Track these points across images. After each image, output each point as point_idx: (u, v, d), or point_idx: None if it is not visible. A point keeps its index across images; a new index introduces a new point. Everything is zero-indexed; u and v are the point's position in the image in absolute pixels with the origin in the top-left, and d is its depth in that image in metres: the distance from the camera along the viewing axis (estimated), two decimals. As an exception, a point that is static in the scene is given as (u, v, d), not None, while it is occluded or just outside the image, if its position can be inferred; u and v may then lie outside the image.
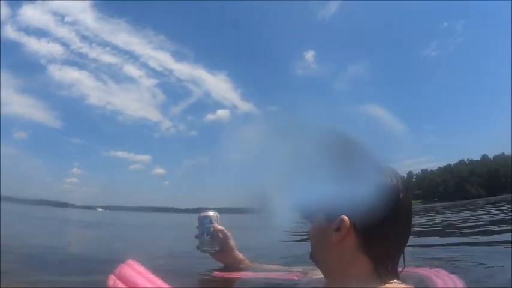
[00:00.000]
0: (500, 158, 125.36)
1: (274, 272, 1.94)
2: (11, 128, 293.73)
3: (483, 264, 2.14)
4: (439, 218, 10.50)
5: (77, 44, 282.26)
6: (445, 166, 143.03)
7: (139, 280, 1.07)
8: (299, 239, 4.54)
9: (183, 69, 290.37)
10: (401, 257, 1.24)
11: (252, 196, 1.44)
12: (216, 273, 2.06)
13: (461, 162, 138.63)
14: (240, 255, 2.11)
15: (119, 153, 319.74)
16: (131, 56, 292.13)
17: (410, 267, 1.50)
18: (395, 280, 1.17)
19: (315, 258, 1.36)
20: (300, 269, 1.88)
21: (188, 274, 2.25)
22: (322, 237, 1.27)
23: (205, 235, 2.08)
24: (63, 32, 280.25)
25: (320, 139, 1.30)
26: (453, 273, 1.50)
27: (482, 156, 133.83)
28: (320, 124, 1.36)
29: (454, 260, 2.37)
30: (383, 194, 1.13)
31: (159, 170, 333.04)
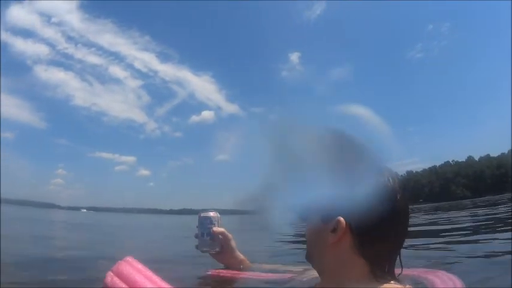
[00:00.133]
0: (486, 159, 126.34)
1: (272, 272, 1.94)
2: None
3: (480, 265, 2.15)
4: (428, 219, 10.53)
5: (62, 44, 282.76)
6: (430, 168, 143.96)
7: (138, 277, 1.06)
8: (295, 240, 4.55)
9: (168, 71, 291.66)
10: (398, 258, 1.22)
11: (247, 197, 1.43)
12: (213, 272, 2.06)
13: (447, 163, 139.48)
14: (241, 256, 2.10)
15: (104, 155, 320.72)
16: (116, 57, 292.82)
17: (408, 268, 1.49)
18: (392, 281, 1.16)
19: (311, 259, 1.34)
20: (298, 268, 1.87)
21: (185, 274, 2.25)
22: (318, 238, 1.25)
23: (205, 236, 2.06)
24: (49, 32, 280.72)
25: (316, 139, 1.28)
26: (452, 273, 1.50)
27: (468, 157, 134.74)
28: (309, 125, 1.34)
29: (450, 262, 2.37)
30: (380, 195, 1.12)
31: (144, 172, 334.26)
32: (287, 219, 1.39)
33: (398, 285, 1.15)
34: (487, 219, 7.87)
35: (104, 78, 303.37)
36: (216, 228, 2.05)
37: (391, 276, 1.18)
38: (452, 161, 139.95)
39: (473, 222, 7.63)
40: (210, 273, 2.07)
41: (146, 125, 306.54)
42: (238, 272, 2.01)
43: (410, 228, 1.27)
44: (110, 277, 1.06)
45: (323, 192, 1.19)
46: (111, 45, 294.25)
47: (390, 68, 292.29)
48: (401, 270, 1.24)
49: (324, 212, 1.23)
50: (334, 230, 1.17)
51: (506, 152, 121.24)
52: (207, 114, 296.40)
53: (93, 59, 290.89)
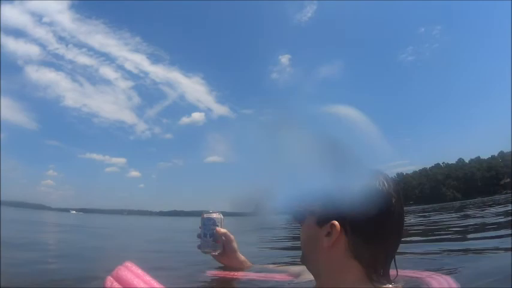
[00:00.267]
0: (476, 162, 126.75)
1: (270, 273, 1.94)
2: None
3: (476, 265, 2.16)
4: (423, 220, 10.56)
5: (54, 45, 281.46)
6: (420, 170, 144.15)
7: (137, 282, 1.06)
8: (292, 241, 4.56)
9: (158, 72, 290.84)
10: (393, 261, 1.23)
11: (242, 199, 1.43)
12: (211, 273, 2.06)
13: (437, 165, 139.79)
14: (242, 257, 2.10)
15: (95, 156, 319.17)
16: (107, 58, 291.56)
17: (403, 270, 1.50)
18: (388, 285, 1.16)
19: (306, 262, 1.34)
20: (296, 268, 1.88)
21: (183, 276, 2.25)
22: (312, 241, 1.25)
23: (208, 237, 2.06)
24: (40, 32, 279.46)
25: (309, 142, 1.29)
26: (447, 275, 1.51)
27: (458, 159, 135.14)
28: (302, 127, 1.35)
29: (445, 263, 2.38)
30: (375, 199, 1.12)
31: (134, 173, 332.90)
32: (282, 221, 1.40)
33: None
34: (482, 220, 7.89)
35: (94, 79, 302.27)
36: (219, 229, 2.05)
37: (386, 279, 1.18)
38: (443, 163, 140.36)
39: (467, 223, 7.66)
40: (207, 274, 2.06)
41: (136, 126, 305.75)
42: (235, 273, 2.01)
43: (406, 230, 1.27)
44: (110, 282, 1.07)
45: (317, 195, 1.21)
46: (102, 46, 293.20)
47: (382, 71, 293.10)
48: (397, 272, 1.23)
49: (318, 216, 1.23)
50: (328, 234, 1.18)
51: (496, 154, 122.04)
52: (197, 116, 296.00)
53: (84, 59, 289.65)
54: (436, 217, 12.06)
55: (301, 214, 1.32)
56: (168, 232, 11.54)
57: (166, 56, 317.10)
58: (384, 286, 1.15)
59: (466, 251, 3.11)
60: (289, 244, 4.45)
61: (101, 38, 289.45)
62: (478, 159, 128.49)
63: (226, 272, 2.04)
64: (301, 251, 1.37)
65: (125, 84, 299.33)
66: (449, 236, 5.20)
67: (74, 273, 2.26)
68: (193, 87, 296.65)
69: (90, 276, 2.08)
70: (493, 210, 11.84)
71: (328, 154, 1.23)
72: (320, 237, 1.20)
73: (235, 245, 2.08)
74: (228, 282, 1.97)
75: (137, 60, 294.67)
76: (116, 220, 26.94)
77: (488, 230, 5.53)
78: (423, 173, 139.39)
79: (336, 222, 1.16)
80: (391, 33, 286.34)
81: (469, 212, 12.61)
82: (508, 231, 4.61)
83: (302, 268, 1.65)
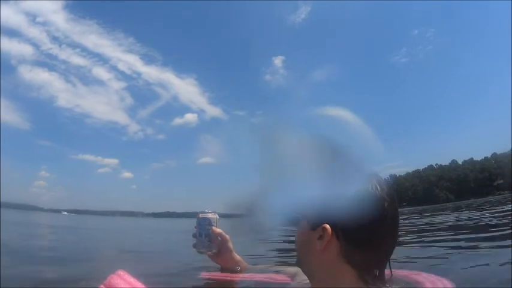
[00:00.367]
0: (469, 163, 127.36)
1: (264, 274, 1.94)
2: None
3: (472, 267, 2.16)
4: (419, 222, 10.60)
5: (47, 45, 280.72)
6: (413, 171, 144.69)
7: None
8: (287, 244, 4.56)
9: (151, 73, 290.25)
10: (388, 263, 1.22)
11: (237, 201, 1.42)
12: (206, 276, 2.07)
13: (430, 167, 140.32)
14: (237, 257, 2.09)
15: (87, 157, 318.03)
16: (100, 59, 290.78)
17: (398, 270, 1.48)
18: (381, 287, 1.16)
19: (301, 264, 1.34)
20: (291, 269, 1.87)
21: (178, 278, 2.24)
22: (306, 244, 1.25)
23: (203, 236, 2.05)
24: (34, 32, 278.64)
25: (303, 144, 1.28)
26: (442, 275, 1.50)
27: (451, 161, 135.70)
28: (295, 129, 1.33)
29: (440, 264, 2.38)
30: (366, 203, 1.11)
31: (127, 174, 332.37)
32: (277, 223, 1.38)
33: None
34: (476, 222, 7.94)
35: (87, 80, 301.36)
36: (215, 229, 2.05)
37: (381, 281, 1.17)
38: (436, 164, 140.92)
39: (461, 224, 7.70)
40: (202, 277, 2.07)
41: (129, 127, 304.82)
42: (231, 275, 2.00)
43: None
44: None
45: (311, 198, 1.20)
46: (96, 47, 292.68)
47: (375, 72, 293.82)
48: (391, 274, 1.23)
49: (311, 219, 1.23)
50: (320, 237, 1.18)
51: (489, 155, 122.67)
52: (190, 117, 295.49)
53: (78, 60, 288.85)
54: (432, 218, 12.13)
55: (295, 217, 1.33)
56: (161, 233, 11.56)
57: (159, 56, 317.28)
58: None
59: (462, 250, 3.12)
60: (281, 246, 4.45)
61: (95, 39, 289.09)
62: (471, 160, 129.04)
63: (222, 274, 2.04)
64: (295, 254, 1.37)
65: (117, 85, 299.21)
66: (445, 237, 5.22)
67: (65, 281, 2.23)
68: (186, 88, 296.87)
69: (81, 284, 2.06)
70: (489, 211, 11.93)
71: (321, 157, 1.23)
72: (313, 241, 1.20)
73: (230, 245, 2.07)
74: (224, 284, 1.97)
75: (130, 61, 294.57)
76: (108, 221, 26.95)
77: (485, 231, 5.55)
78: (416, 175, 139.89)
79: (327, 226, 1.16)
80: (385, 35, 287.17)
81: (465, 213, 12.69)
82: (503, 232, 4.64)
83: (298, 269, 1.65)
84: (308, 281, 1.34)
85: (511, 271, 1.91)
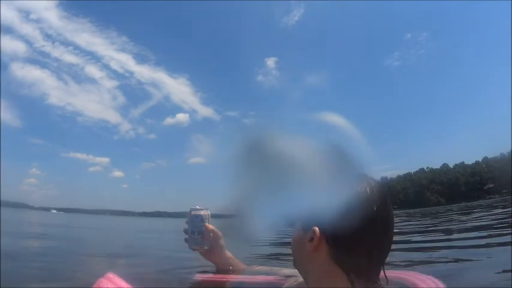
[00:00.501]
0: (460, 167, 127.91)
1: (261, 275, 1.94)
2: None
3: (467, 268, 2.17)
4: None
5: (40, 42, 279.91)
6: (405, 174, 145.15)
7: None
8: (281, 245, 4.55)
9: (144, 72, 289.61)
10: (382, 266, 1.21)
11: (231, 202, 1.42)
12: (200, 277, 2.05)
13: (421, 170, 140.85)
14: (229, 254, 2.09)
15: (78, 155, 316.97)
16: (93, 57, 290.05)
17: (391, 270, 1.48)
18: None
19: (296, 265, 1.35)
20: (286, 271, 1.88)
21: (171, 279, 2.23)
22: (299, 246, 1.25)
23: (196, 234, 2.03)
24: (27, 29, 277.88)
25: (294, 147, 1.27)
26: (435, 275, 1.50)
27: (443, 164, 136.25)
28: (287, 132, 1.33)
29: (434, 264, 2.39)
30: (355, 206, 1.11)
31: (118, 173, 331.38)
32: (268, 225, 1.38)
33: None
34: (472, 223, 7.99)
35: (79, 78, 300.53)
36: (208, 225, 2.03)
37: (372, 284, 1.17)
38: (427, 168, 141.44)
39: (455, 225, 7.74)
40: (197, 278, 2.05)
41: (120, 126, 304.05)
42: (226, 276, 1.99)
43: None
44: None
45: (304, 200, 1.20)
46: (88, 45, 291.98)
47: (367, 76, 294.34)
48: (385, 274, 1.22)
49: (303, 221, 1.24)
50: (311, 240, 1.18)
51: (480, 160, 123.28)
52: (181, 117, 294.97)
53: (70, 57, 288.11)
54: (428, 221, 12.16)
55: (291, 218, 1.34)
56: (152, 233, 11.53)
57: (152, 56, 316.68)
58: None
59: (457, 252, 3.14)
60: (274, 248, 4.44)
61: (88, 37, 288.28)
62: (462, 164, 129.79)
63: (217, 276, 2.02)
64: (286, 255, 1.37)
65: (110, 83, 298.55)
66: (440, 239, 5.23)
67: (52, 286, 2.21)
68: (178, 88, 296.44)
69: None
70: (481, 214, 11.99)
71: (313, 159, 1.22)
72: (304, 242, 1.20)
73: (222, 241, 2.07)
74: (219, 285, 1.94)
75: (123, 59, 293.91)
76: (98, 220, 26.83)
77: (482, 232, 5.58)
78: (407, 178, 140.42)
79: (317, 229, 1.16)
80: (378, 39, 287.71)
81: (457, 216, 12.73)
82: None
83: (293, 271, 1.65)
84: (303, 282, 1.34)
85: (511, 271, 1.91)
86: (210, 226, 2.03)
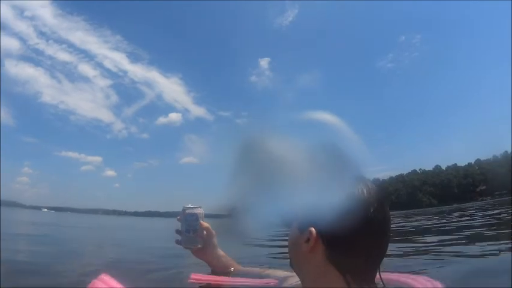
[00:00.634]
0: (453, 169, 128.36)
1: (256, 277, 1.92)
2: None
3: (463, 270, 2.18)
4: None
5: (34, 39, 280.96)
6: (397, 175, 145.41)
7: None
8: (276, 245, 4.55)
9: (137, 71, 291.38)
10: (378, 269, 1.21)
11: (225, 202, 1.42)
12: (195, 278, 2.00)
13: (414, 172, 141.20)
14: (221, 252, 2.08)
15: (70, 154, 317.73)
16: (87, 55, 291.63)
17: (387, 273, 1.47)
18: None
19: (293, 266, 1.34)
20: (282, 272, 1.87)
21: (165, 281, 2.22)
22: (295, 246, 1.25)
23: (190, 232, 2.02)
24: (21, 26, 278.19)
25: (290, 148, 1.27)
26: (432, 277, 1.49)
27: (435, 166, 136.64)
28: (282, 133, 1.32)
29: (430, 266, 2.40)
30: (352, 207, 1.10)
31: (110, 172, 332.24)
32: (262, 226, 1.37)
33: None
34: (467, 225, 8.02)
35: (73, 76, 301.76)
36: (202, 223, 2.02)
37: (368, 285, 1.16)
38: (420, 169, 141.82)
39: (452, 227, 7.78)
40: (192, 279, 2.01)
41: (113, 125, 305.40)
42: (221, 278, 1.97)
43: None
44: None
45: (301, 201, 1.20)
46: (82, 43, 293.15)
47: (360, 77, 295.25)
48: (381, 278, 1.22)
49: (300, 222, 1.24)
50: (307, 240, 1.17)
51: (473, 162, 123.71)
52: (174, 116, 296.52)
53: (64, 56, 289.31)
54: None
55: (288, 218, 1.33)
56: (145, 233, 11.51)
57: (145, 55, 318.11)
58: None
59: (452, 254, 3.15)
60: (268, 249, 4.43)
61: (82, 35, 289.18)
62: (454, 166, 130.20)
63: (212, 277, 1.99)
64: (281, 255, 1.37)
65: (103, 82, 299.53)
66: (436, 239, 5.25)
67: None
68: (171, 88, 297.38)
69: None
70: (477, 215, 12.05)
71: (309, 160, 1.22)
72: (301, 243, 1.20)
73: (215, 240, 2.06)
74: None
75: (116, 58, 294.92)
76: (90, 220, 26.78)
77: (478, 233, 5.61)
78: (400, 179, 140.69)
79: (313, 230, 1.15)
80: (371, 41, 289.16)
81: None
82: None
83: (289, 273, 1.68)
84: (300, 283, 1.34)
85: (511, 271, 1.92)
86: (205, 224, 2.02)
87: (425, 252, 3.53)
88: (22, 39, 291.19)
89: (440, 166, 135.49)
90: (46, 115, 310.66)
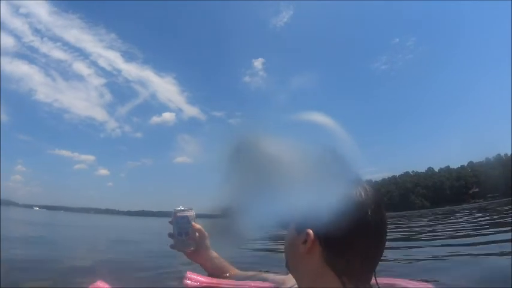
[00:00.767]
0: (445, 171, 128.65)
1: (250, 280, 1.92)
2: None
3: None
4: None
5: (29, 37, 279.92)
6: (389, 177, 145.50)
7: None
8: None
9: (131, 70, 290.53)
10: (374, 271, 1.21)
11: (219, 203, 1.41)
12: (190, 278, 1.99)
13: (406, 173, 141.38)
14: (214, 253, 2.08)
15: (64, 152, 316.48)
16: (81, 54, 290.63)
17: (383, 278, 1.48)
18: None
19: (289, 267, 1.33)
20: (278, 277, 1.85)
21: (159, 278, 2.22)
22: (292, 248, 1.25)
23: (183, 235, 2.01)
24: (16, 23, 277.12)
25: (287, 149, 1.26)
26: (429, 281, 1.50)
27: (428, 168, 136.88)
28: (276, 133, 1.32)
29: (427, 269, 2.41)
30: (349, 209, 1.10)
31: (103, 171, 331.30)
32: (260, 225, 1.37)
33: None
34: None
35: (67, 74, 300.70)
36: (194, 224, 2.01)
37: (364, 286, 1.16)
38: (412, 171, 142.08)
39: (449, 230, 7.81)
40: (188, 279, 2.00)
41: (107, 124, 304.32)
42: (216, 281, 1.97)
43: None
44: None
45: (298, 203, 1.20)
46: (77, 41, 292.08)
47: (354, 78, 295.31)
48: (376, 282, 1.21)
49: (297, 223, 1.23)
50: (305, 242, 1.17)
51: (465, 164, 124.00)
52: (167, 116, 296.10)
53: (58, 53, 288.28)
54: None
55: (285, 220, 1.32)
56: (138, 233, 11.47)
57: (140, 54, 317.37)
58: None
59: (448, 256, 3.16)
60: (261, 251, 4.43)
61: (77, 33, 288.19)
62: (447, 168, 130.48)
63: (208, 280, 1.99)
64: (275, 257, 1.37)
65: (97, 81, 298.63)
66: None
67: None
68: (165, 87, 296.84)
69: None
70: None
71: (306, 161, 1.22)
72: (298, 244, 1.19)
73: (208, 242, 2.06)
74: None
75: (111, 57, 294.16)
76: (83, 219, 26.69)
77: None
78: (392, 181, 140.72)
79: (311, 232, 1.15)
80: (365, 42, 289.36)
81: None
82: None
83: (285, 277, 1.68)
84: (297, 287, 1.34)
85: (511, 272, 1.93)
86: (197, 226, 2.01)
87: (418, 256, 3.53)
88: (17, 36, 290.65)
89: (433, 168, 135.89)
90: (40, 113, 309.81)
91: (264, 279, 1.89)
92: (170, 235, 2.04)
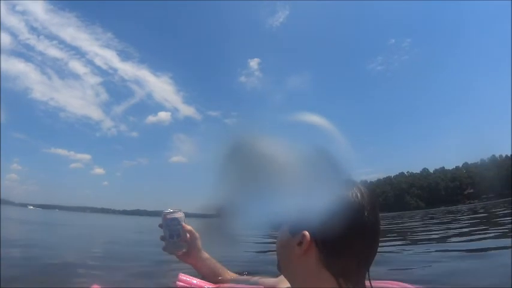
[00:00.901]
0: (440, 172, 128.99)
1: (244, 284, 1.92)
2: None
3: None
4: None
5: (25, 35, 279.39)
6: (384, 178, 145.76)
7: None
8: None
9: (127, 69, 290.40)
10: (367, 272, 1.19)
11: (214, 203, 1.41)
12: (184, 280, 2.00)
13: (402, 174, 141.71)
14: (206, 254, 2.08)
15: (59, 151, 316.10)
16: (77, 52, 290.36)
17: (379, 281, 1.48)
18: None
19: (282, 270, 1.31)
20: (270, 280, 1.84)
21: (153, 279, 2.21)
22: (286, 250, 1.23)
23: (174, 237, 2.00)
24: (13, 21, 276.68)
25: (283, 151, 1.26)
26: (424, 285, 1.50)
27: (423, 169, 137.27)
28: (272, 133, 1.32)
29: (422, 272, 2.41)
30: (345, 211, 1.09)
31: (99, 170, 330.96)
32: (254, 226, 1.37)
33: None
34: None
35: (63, 73, 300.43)
36: (185, 225, 2.01)
37: (358, 286, 1.15)
38: (407, 172, 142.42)
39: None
40: (179, 281, 1.99)
41: (103, 123, 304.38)
42: (209, 285, 1.96)
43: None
44: None
45: (292, 204, 1.18)
46: (73, 40, 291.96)
47: (350, 79, 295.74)
48: (370, 284, 1.20)
49: (291, 225, 1.22)
50: (300, 243, 1.15)
51: (460, 165, 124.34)
52: (163, 115, 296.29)
53: (54, 52, 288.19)
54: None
55: (277, 221, 1.31)
56: (134, 233, 11.43)
57: (136, 53, 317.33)
58: None
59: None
60: (255, 253, 4.43)
61: (73, 32, 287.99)
62: (442, 169, 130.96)
63: (199, 282, 1.99)
64: (269, 258, 1.36)
65: (93, 79, 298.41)
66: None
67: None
68: (161, 86, 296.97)
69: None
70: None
71: (300, 162, 1.21)
72: (293, 246, 1.17)
73: (199, 243, 2.06)
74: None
75: (107, 56, 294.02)
76: (78, 218, 26.63)
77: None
78: (387, 181, 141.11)
79: (307, 233, 1.14)
80: (361, 43, 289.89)
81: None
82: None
83: (277, 280, 1.69)
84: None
85: (511, 271, 1.93)
86: (188, 227, 2.01)
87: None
88: (13, 34, 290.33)
89: (427, 169, 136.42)
90: (36, 111, 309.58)
91: (255, 283, 1.90)
92: (162, 238, 2.04)
